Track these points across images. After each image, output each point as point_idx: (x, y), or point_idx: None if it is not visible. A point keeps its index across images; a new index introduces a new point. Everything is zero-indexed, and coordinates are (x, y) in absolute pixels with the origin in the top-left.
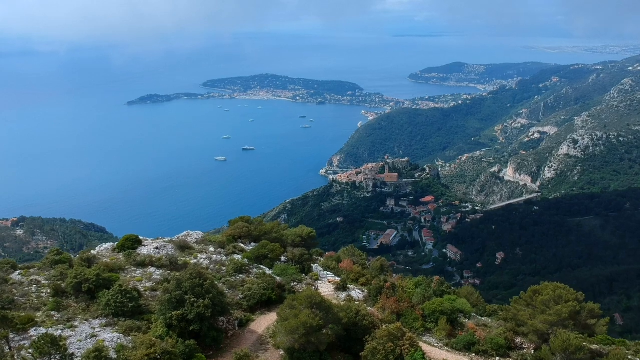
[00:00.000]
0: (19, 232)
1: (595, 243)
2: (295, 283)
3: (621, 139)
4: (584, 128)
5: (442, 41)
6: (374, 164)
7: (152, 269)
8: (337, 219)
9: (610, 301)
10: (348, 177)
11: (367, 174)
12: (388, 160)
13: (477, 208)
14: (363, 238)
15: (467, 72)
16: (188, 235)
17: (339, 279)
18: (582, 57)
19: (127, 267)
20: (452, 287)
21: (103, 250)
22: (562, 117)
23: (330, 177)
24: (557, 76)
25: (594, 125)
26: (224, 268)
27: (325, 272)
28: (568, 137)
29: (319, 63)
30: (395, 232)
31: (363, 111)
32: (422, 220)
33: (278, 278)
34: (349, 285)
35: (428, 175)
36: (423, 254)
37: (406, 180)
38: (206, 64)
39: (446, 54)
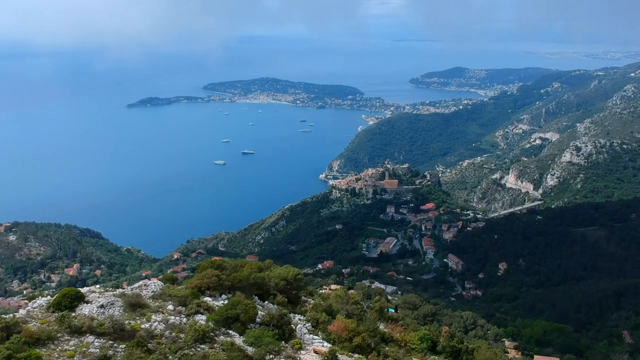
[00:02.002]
0: (12, 237)
1: (600, 254)
2: (271, 356)
3: (625, 146)
4: (586, 135)
5: (442, 46)
6: (374, 170)
7: (90, 338)
8: (336, 226)
9: (617, 317)
10: (347, 183)
11: (366, 180)
12: (388, 166)
13: (478, 216)
14: (362, 246)
15: (468, 77)
16: (145, 286)
17: (328, 347)
18: (583, 63)
19: (59, 335)
20: (465, 342)
21: (36, 308)
22: (564, 124)
23: (330, 182)
24: (559, 82)
25: (596, 132)
26: (182, 335)
27: (311, 335)
28: (571, 145)
29: (320, 67)
30: (395, 240)
31: (363, 115)
32: (423, 228)
33: (250, 349)
34: (339, 357)
35: (429, 182)
36: (424, 263)
37: (406, 187)
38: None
39: (447, 58)
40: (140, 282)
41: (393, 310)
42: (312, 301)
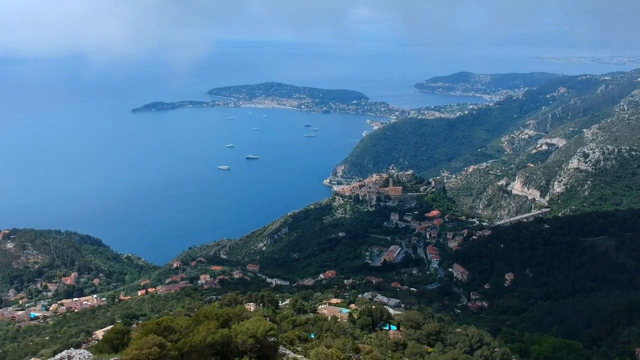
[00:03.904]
0: (10, 245)
1: (609, 265)
2: None
3: (633, 152)
4: (594, 141)
5: (448, 50)
6: (378, 176)
7: None
8: (339, 234)
9: (629, 333)
10: (351, 190)
11: (370, 187)
12: (392, 171)
13: (484, 223)
14: (365, 254)
15: (473, 81)
16: (68, 359)
17: None
18: (589, 68)
19: None
20: None
21: None
22: (571, 129)
23: (334, 187)
24: (565, 86)
25: (604, 138)
26: None
27: None
28: (578, 151)
29: (324, 71)
30: (399, 249)
31: (368, 120)
32: (427, 237)
33: None
34: None
35: (433, 189)
36: (428, 272)
37: (411, 194)
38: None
39: (452, 63)
40: (64, 353)
41: (395, 328)
42: (292, 354)
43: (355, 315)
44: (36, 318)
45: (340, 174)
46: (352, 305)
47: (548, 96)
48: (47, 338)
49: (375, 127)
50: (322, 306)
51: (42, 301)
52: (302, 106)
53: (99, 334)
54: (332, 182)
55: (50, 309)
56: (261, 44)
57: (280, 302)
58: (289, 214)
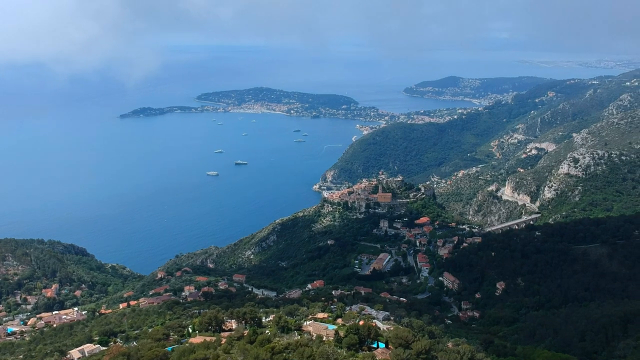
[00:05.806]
0: None
1: (602, 273)
2: None
3: (623, 157)
4: (584, 146)
5: (437, 55)
6: (367, 182)
7: None
8: (328, 242)
9: (625, 346)
10: (340, 196)
11: (359, 194)
12: (382, 177)
13: (474, 230)
14: (355, 263)
15: (463, 86)
16: None
17: None
18: (577, 72)
19: None
20: None
21: None
22: (560, 133)
23: (324, 193)
24: (553, 91)
25: (594, 142)
26: None
27: None
28: (568, 156)
29: (314, 76)
30: (389, 257)
31: (358, 125)
32: (417, 244)
33: None
34: None
35: (423, 195)
36: (418, 281)
37: (400, 200)
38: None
39: (441, 67)
40: None
41: (384, 345)
42: None
43: (341, 333)
44: (13, 333)
45: (330, 179)
46: (339, 320)
47: (537, 100)
48: (21, 357)
49: (365, 132)
50: (308, 322)
51: (21, 315)
52: (292, 111)
53: (74, 353)
54: (322, 187)
55: (29, 323)
56: (249, 50)
57: (264, 317)
58: (277, 221)
